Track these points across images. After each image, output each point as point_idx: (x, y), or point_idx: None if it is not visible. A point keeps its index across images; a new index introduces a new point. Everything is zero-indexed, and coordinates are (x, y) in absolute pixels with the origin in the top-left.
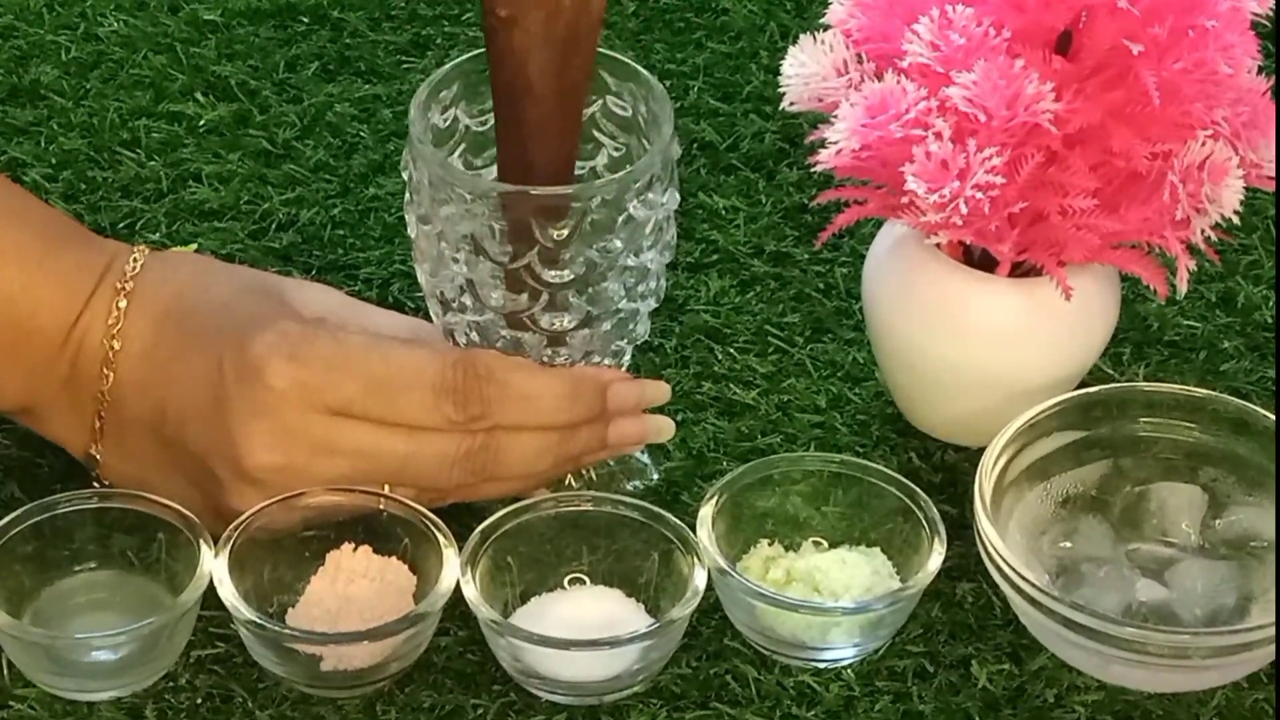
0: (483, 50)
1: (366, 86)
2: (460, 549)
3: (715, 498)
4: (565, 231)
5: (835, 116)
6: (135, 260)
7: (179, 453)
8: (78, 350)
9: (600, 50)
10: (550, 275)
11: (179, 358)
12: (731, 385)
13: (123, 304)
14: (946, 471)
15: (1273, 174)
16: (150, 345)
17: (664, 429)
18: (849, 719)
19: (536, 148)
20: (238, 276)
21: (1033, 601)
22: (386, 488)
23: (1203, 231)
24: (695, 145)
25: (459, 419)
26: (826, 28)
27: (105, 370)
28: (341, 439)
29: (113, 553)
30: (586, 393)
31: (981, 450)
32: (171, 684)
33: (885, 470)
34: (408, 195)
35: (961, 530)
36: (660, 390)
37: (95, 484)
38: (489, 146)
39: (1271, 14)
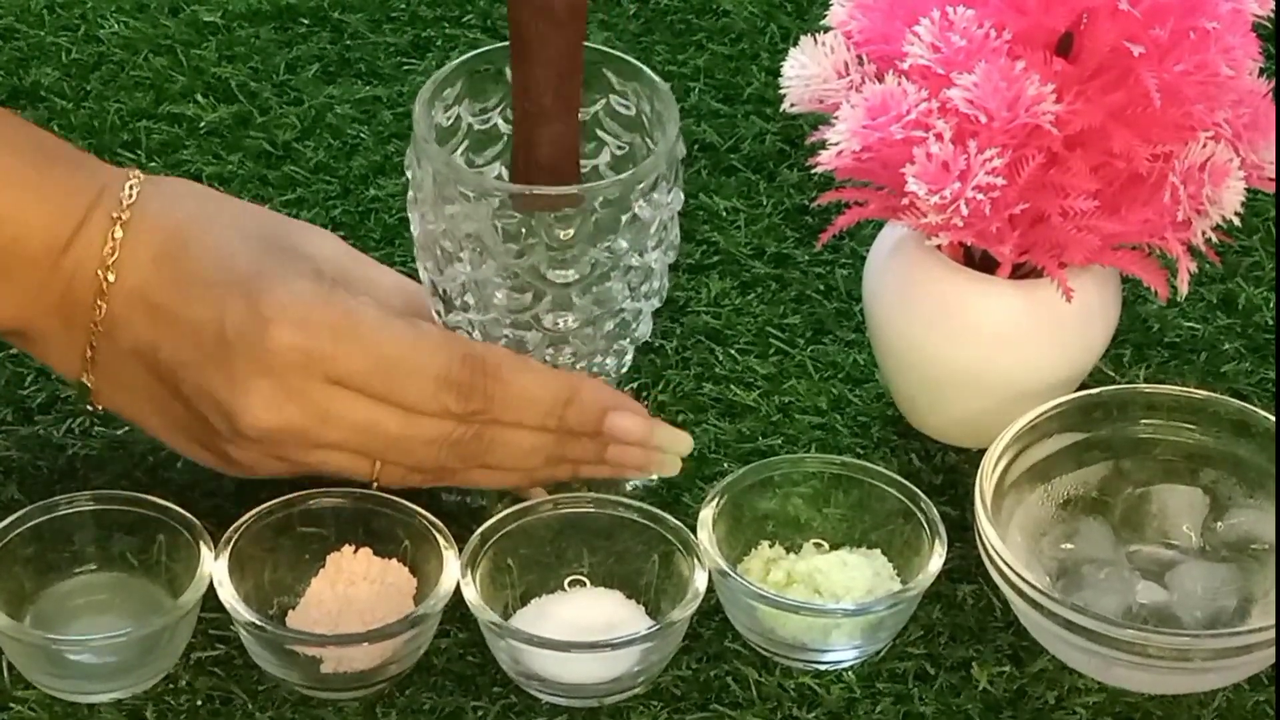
0: (485, 50)
1: (367, 88)
2: (460, 551)
3: (716, 499)
4: (571, 231)
5: (836, 118)
6: (131, 187)
7: (172, 390)
8: (71, 277)
9: (603, 49)
10: (555, 275)
11: (177, 301)
12: (732, 387)
13: (119, 234)
14: (947, 473)
15: (1274, 176)
16: (146, 282)
17: (668, 465)
18: None
19: (549, 93)
20: (241, 217)
21: (1033, 603)
22: (377, 464)
23: (1203, 233)
24: (696, 147)
25: (458, 411)
26: (827, 29)
27: (99, 301)
28: (337, 409)
29: (113, 554)
30: (587, 407)
31: (982, 452)
32: (171, 686)
33: (886, 472)
34: (411, 194)
35: (962, 532)
36: (678, 441)
37: (89, 407)
38: (491, 145)
39: (1272, 15)
